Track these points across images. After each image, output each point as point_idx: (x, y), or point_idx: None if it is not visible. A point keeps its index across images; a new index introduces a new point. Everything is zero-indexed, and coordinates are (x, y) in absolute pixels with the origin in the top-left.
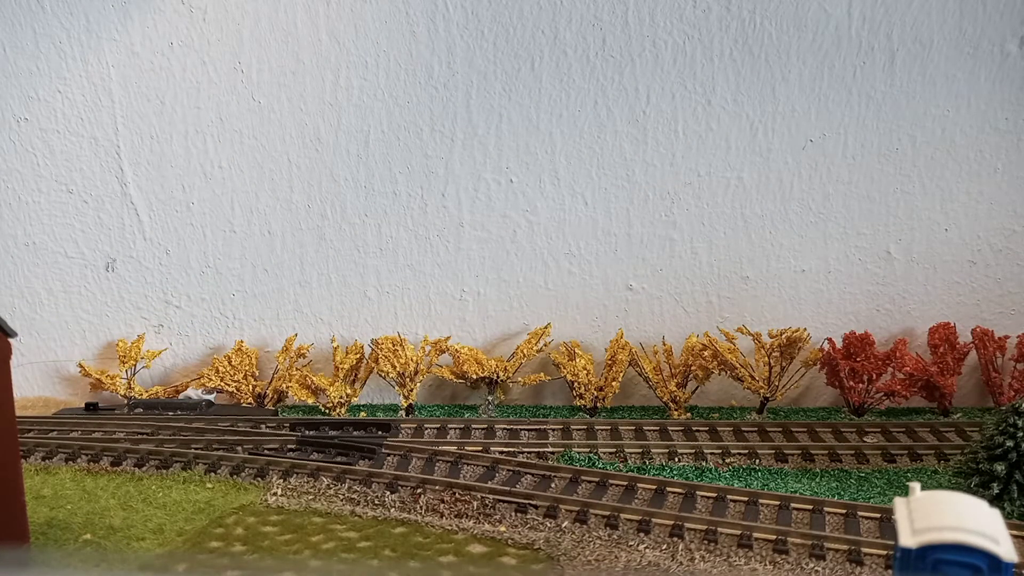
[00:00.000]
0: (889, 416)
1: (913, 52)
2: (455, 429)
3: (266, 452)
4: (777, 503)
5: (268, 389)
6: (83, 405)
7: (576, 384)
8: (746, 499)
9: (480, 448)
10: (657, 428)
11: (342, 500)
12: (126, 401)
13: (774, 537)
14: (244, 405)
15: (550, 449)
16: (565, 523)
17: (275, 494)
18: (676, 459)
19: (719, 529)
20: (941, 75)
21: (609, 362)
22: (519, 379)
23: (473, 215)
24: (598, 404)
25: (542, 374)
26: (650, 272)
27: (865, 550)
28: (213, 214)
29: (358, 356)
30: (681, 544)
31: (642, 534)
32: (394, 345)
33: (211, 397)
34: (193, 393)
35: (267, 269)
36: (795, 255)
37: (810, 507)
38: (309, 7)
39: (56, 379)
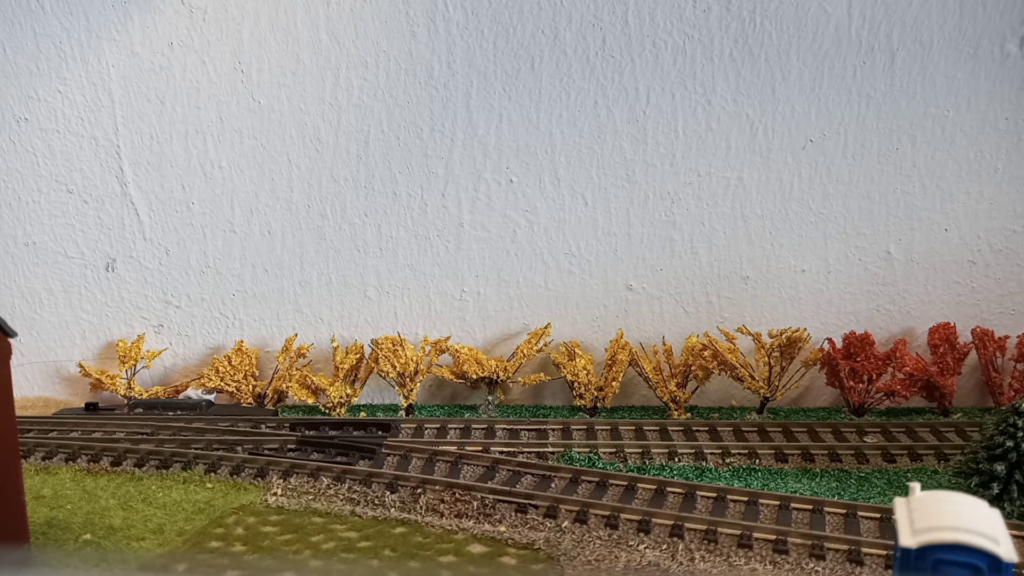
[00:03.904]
0: (889, 416)
1: (913, 52)
2: (455, 429)
3: (266, 452)
4: (777, 503)
5: (268, 389)
6: (83, 405)
7: (576, 384)
8: (746, 499)
9: (480, 448)
10: (657, 428)
11: (342, 500)
12: (126, 401)
13: (774, 537)
14: (244, 405)
15: (550, 449)
16: (565, 523)
17: (275, 494)
18: (676, 459)
19: (719, 529)
20: (941, 75)
21: (609, 362)
22: (519, 379)
23: (473, 215)
24: (598, 404)
25: (542, 374)
26: (650, 272)
27: (865, 550)
28: (213, 214)
29: (358, 356)
30: (681, 544)
31: (642, 534)
32: (394, 345)
33: (211, 397)
34: (193, 393)
35: (267, 269)
36: (795, 255)
37: (810, 507)
38: (309, 7)
39: (56, 379)
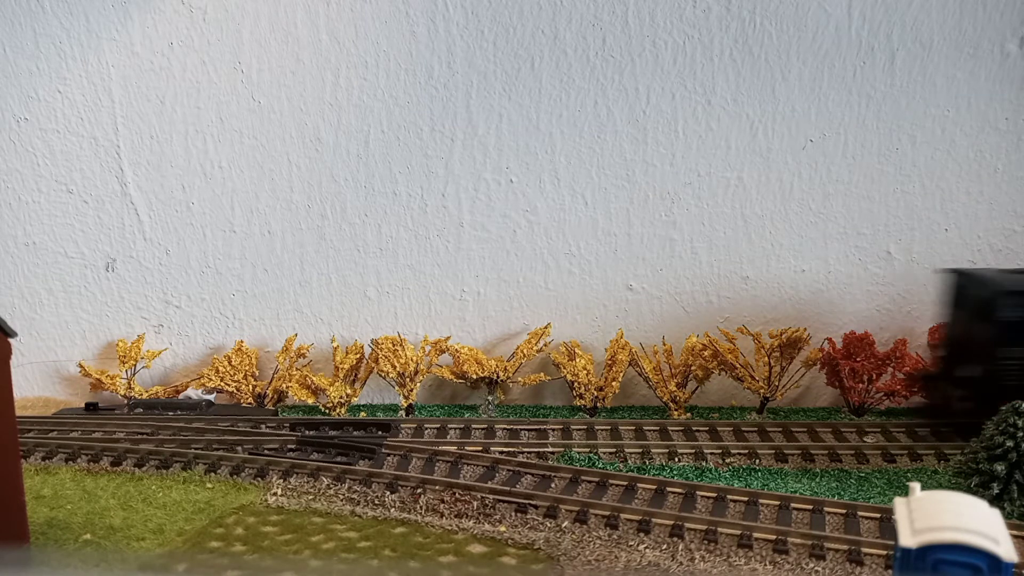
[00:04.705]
0: (889, 416)
1: (913, 52)
2: (455, 429)
3: (266, 452)
4: (777, 503)
5: (268, 389)
6: (83, 405)
7: (576, 384)
8: (746, 499)
9: (480, 448)
10: (657, 428)
11: (342, 500)
12: (126, 401)
13: (774, 537)
14: (244, 405)
15: (550, 449)
16: (565, 523)
17: (275, 494)
18: (676, 459)
19: (719, 529)
20: (941, 75)
21: (609, 362)
22: (519, 379)
23: (473, 215)
24: (598, 404)
25: (542, 374)
26: (650, 272)
27: (865, 550)
28: (213, 214)
29: (358, 356)
30: (681, 544)
31: (642, 534)
32: (394, 345)
33: (211, 397)
34: (193, 393)
35: (267, 269)
36: (795, 255)
37: (810, 507)
38: (309, 7)
39: (56, 379)
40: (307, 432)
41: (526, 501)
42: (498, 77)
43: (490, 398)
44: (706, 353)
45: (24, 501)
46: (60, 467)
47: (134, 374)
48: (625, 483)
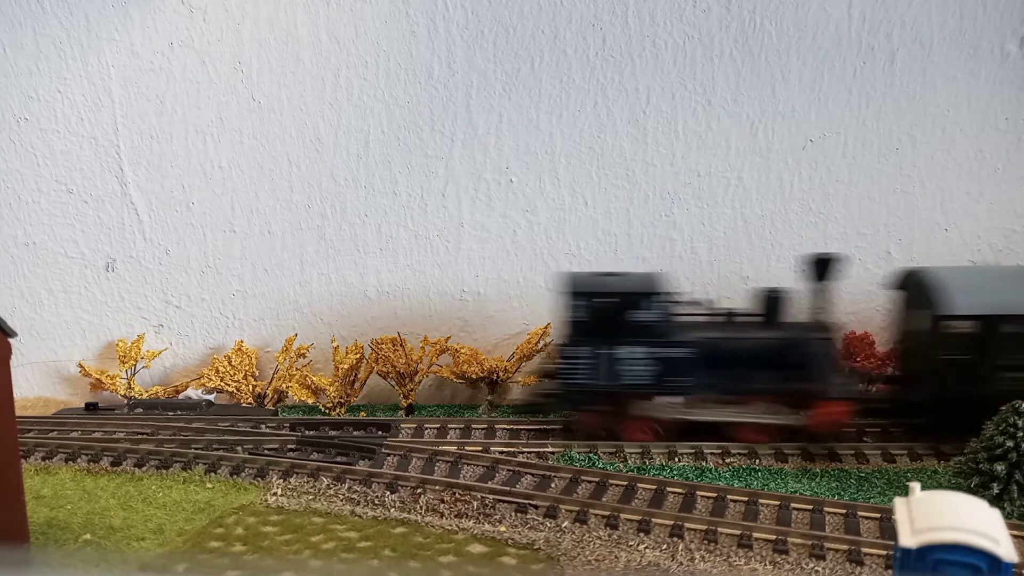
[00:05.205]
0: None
1: (913, 52)
2: (455, 429)
3: (266, 452)
4: (777, 503)
5: (268, 389)
6: (83, 405)
7: None
8: (746, 499)
9: (480, 448)
10: None
11: (342, 500)
12: (126, 401)
13: (774, 537)
14: (244, 405)
15: (550, 449)
16: (565, 523)
17: (275, 494)
18: (676, 459)
19: (719, 529)
20: (941, 75)
21: None
22: (519, 379)
23: (473, 215)
24: None
25: None
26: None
27: (865, 550)
28: (213, 214)
29: (358, 356)
30: (681, 544)
31: (642, 534)
32: (394, 345)
33: (211, 397)
34: (193, 393)
35: (267, 269)
36: (795, 255)
37: (810, 507)
38: (309, 7)
39: (56, 379)
40: (307, 432)
41: (526, 501)
42: (498, 77)
43: (490, 398)
44: None
45: (24, 501)
46: (60, 467)
47: (134, 374)
48: (625, 483)
